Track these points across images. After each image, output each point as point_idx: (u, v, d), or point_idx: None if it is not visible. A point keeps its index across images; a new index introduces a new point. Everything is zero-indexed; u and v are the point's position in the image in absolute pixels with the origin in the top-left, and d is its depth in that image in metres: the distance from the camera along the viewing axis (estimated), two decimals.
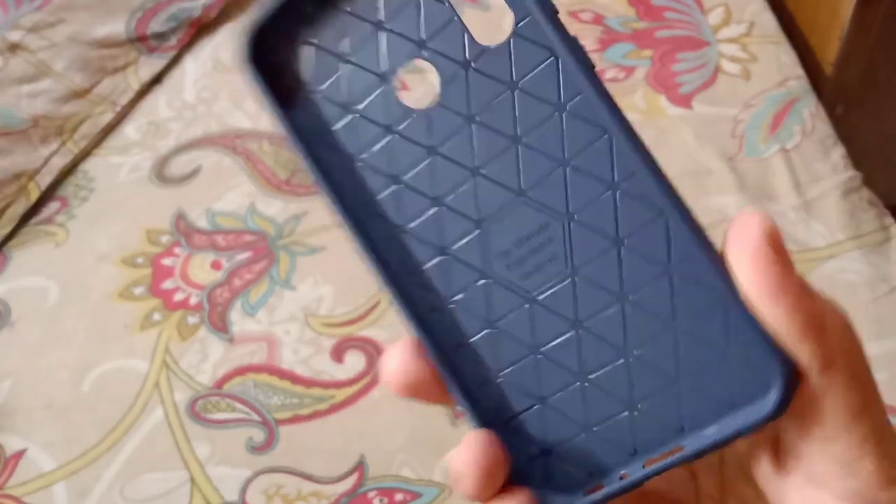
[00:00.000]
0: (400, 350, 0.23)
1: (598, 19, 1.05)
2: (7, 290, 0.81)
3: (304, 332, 0.75)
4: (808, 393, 0.21)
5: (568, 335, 0.22)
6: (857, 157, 0.87)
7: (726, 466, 0.26)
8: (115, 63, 1.01)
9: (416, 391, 0.23)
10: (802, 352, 0.20)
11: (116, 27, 1.02)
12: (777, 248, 0.20)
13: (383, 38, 0.23)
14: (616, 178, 0.21)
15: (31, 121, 0.93)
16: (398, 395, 0.23)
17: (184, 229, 0.85)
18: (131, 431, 0.69)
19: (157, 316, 0.77)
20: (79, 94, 0.97)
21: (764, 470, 0.24)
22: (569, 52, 0.20)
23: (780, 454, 0.23)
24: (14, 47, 0.97)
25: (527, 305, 0.22)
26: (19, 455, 0.69)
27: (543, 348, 0.22)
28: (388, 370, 0.23)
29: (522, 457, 0.23)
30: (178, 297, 0.78)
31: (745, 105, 0.92)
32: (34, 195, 0.89)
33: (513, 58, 0.22)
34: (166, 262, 0.82)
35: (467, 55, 0.23)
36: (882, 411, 0.22)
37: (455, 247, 0.23)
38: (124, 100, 0.99)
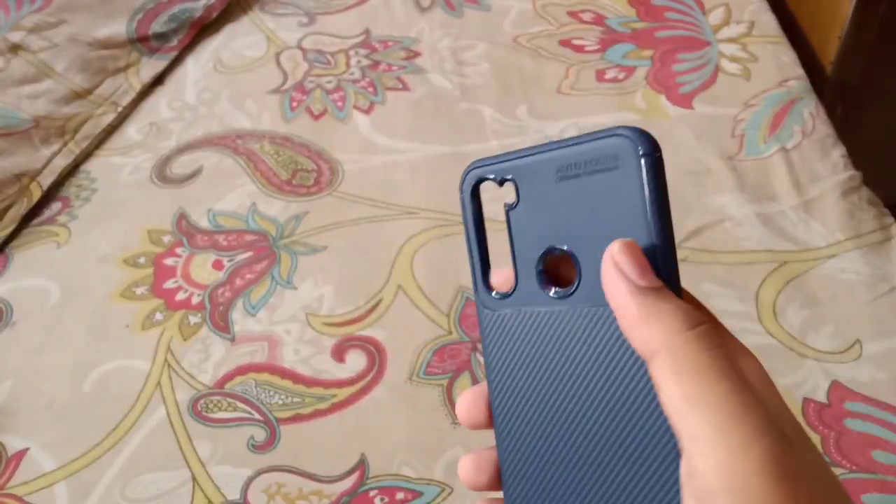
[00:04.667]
0: (468, 396, 0.31)
1: (598, 19, 1.06)
2: (9, 291, 0.81)
3: (305, 331, 0.75)
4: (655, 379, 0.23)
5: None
6: (857, 156, 0.87)
7: None
8: (116, 64, 1.02)
9: (474, 426, 0.31)
10: (633, 339, 0.24)
11: (117, 28, 1.03)
12: (625, 256, 0.24)
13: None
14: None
15: (33, 121, 0.93)
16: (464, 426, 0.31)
17: (185, 229, 0.85)
18: (133, 431, 0.70)
19: (158, 316, 0.77)
20: (80, 95, 0.98)
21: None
22: None
23: None
24: (15, 48, 0.97)
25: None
26: (21, 455, 0.69)
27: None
28: (459, 407, 0.31)
29: None
30: (180, 296, 0.79)
31: (746, 105, 0.92)
32: (36, 196, 0.89)
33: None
34: (168, 262, 0.82)
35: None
36: (729, 401, 0.22)
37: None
38: (126, 101, 1.00)
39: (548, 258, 0.28)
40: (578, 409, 0.27)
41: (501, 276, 0.30)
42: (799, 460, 0.22)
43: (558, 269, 0.29)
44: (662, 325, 0.23)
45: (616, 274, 0.24)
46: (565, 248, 0.27)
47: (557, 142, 0.27)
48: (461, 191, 0.30)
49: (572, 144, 0.26)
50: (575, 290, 0.27)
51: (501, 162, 0.29)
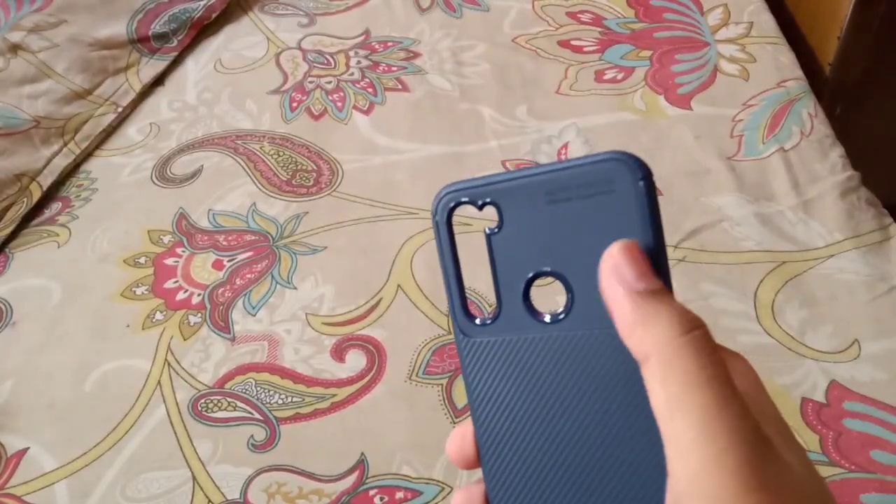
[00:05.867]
0: (457, 433, 0.30)
1: (597, 20, 1.06)
2: (9, 291, 0.82)
3: (305, 331, 0.75)
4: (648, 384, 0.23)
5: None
6: (856, 156, 0.87)
7: None
8: (116, 64, 1.02)
9: (468, 465, 0.30)
10: (628, 342, 0.24)
11: (118, 28, 1.03)
12: (624, 257, 0.24)
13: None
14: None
15: (33, 121, 0.93)
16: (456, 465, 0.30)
17: (185, 229, 0.85)
18: (133, 430, 0.70)
19: (159, 315, 0.77)
20: (80, 95, 0.98)
21: None
22: None
23: None
24: (15, 48, 0.97)
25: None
26: (21, 454, 0.69)
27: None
28: (449, 448, 0.30)
29: None
30: (180, 296, 0.79)
31: (744, 105, 0.93)
32: (36, 196, 0.90)
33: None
34: (168, 261, 0.82)
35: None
36: (710, 410, 0.22)
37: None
38: (126, 101, 1.00)
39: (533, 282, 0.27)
40: (569, 437, 0.27)
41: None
42: (776, 470, 0.22)
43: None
44: (656, 330, 0.23)
45: (613, 276, 0.24)
46: (556, 271, 0.27)
47: (545, 166, 0.27)
48: (434, 215, 0.29)
49: (564, 168, 0.26)
50: (566, 314, 0.26)
51: (480, 186, 0.28)
